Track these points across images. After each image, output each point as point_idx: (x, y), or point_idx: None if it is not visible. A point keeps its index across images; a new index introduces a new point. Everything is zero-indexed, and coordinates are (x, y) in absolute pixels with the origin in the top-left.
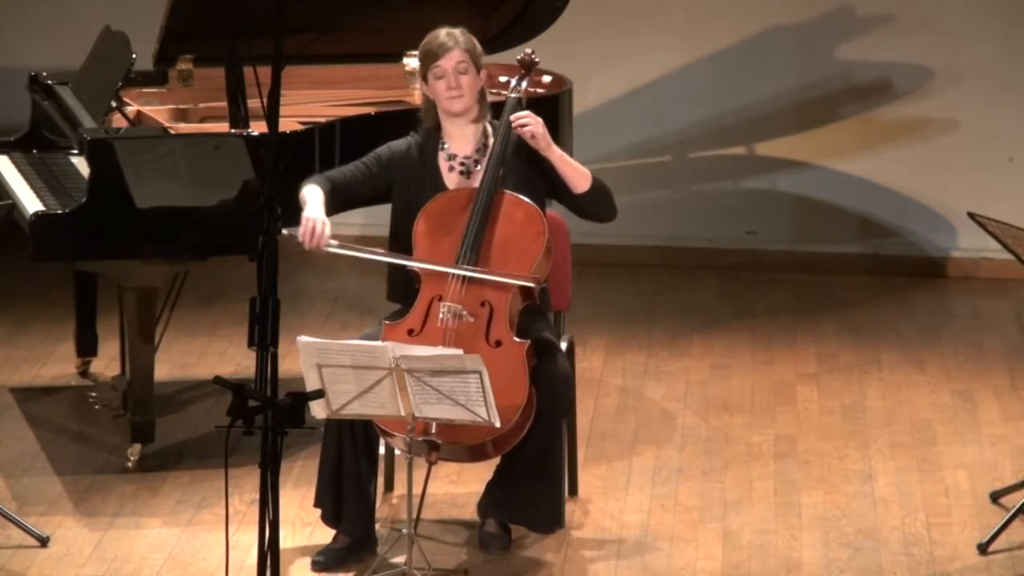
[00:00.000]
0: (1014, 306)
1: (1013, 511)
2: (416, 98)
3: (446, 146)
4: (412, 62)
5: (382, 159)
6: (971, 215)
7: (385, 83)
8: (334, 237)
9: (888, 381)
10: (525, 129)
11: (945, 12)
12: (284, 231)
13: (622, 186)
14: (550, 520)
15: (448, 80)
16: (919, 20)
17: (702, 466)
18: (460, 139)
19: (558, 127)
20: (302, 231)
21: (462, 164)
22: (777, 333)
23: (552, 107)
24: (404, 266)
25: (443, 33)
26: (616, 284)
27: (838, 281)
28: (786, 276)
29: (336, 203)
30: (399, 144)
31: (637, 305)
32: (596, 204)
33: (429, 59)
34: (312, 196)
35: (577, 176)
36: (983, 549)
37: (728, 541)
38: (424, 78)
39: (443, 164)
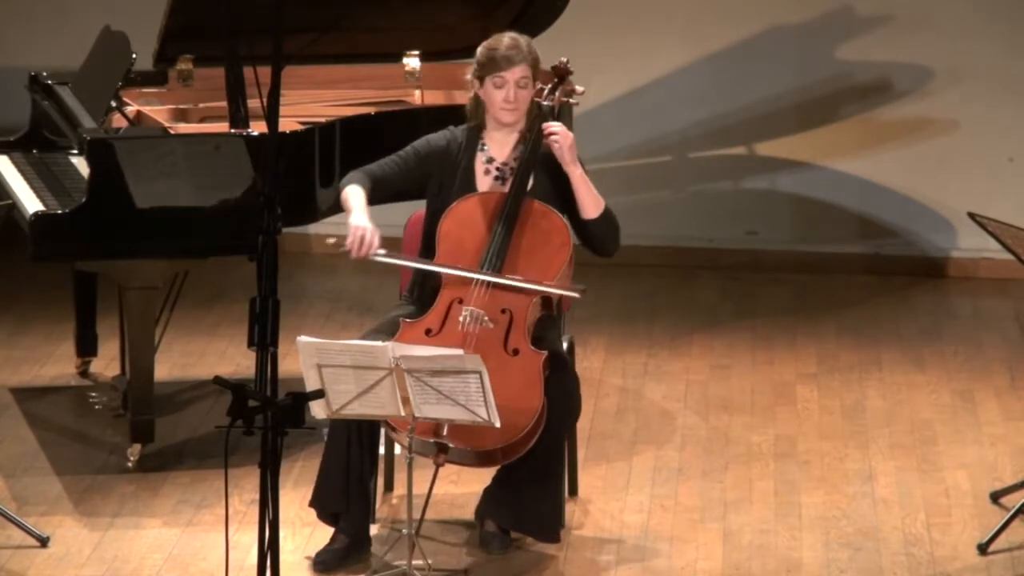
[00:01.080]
0: (1014, 306)
1: (1013, 511)
2: (416, 98)
3: (486, 148)
4: (412, 62)
5: (420, 153)
6: (971, 215)
7: (385, 83)
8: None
9: (888, 381)
10: (553, 140)
11: (945, 12)
12: (330, 240)
13: (622, 186)
14: (551, 529)
15: (507, 93)
16: (919, 20)
17: (702, 466)
18: (502, 145)
19: None
20: (350, 240)
21: (499, 169)
22: (777, 333)
23: (557, 110)
24: (469, 280)
25: (508, 41)
26: (616, 284)
27: (838, 281)
28: (786, 276)
29: (375, 199)
30: (437, 138)
31: (637, 305)
32: (601, 234)
33: (492, 67)
34: (356, 201)
35: (590, 201)
36: (983, 549)
37: (728, 541)
38: (480, 79)
39: (479, 166)
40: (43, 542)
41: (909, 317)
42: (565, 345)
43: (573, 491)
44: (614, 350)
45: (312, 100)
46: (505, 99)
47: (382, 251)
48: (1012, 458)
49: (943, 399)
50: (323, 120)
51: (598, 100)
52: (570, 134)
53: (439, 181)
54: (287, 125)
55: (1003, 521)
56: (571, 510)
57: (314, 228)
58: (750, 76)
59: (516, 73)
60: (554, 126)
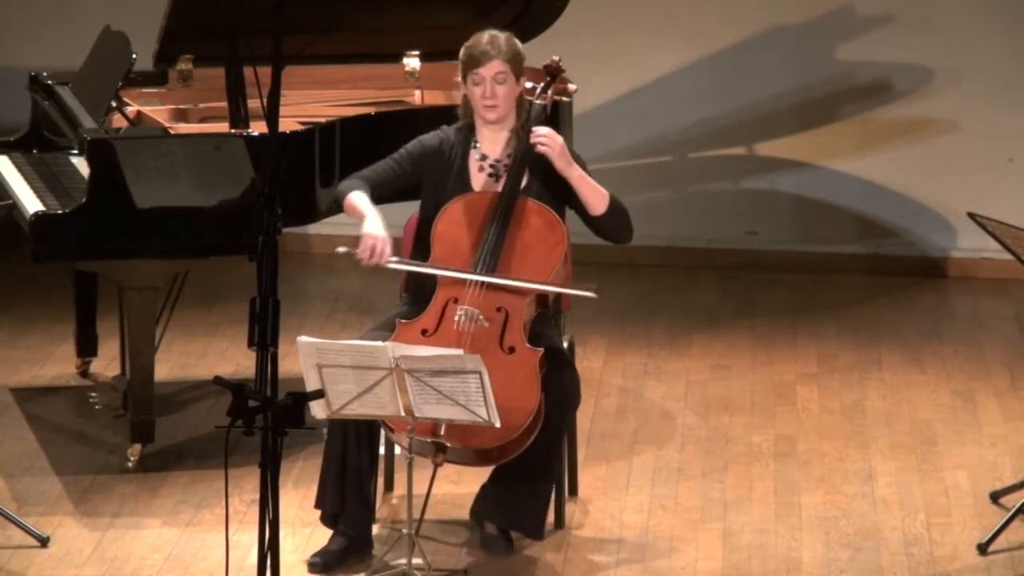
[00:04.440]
0: (1014, 306)
1: (1013, 511)
2: (416, 98)
3: (479, 146)
4: (412, 62)
5: (413, 155)
6: (971, 215)
7: (385, 83)
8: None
9: (888, 381)
10: (542, 147)
11: (945, 12)
12: (340, 249)
13: (622, 186)
14: (538, 526)
15: (485, 89)
16: (919, 20)
17: (702, 466)
18: (493, 142)
19: (558, 128)
20: (361, 249)
21: (492, 167)
22: (777, 333)
23: (552, 108)
24: (464, 280)
25: (486, 38)
26: (616, 284)
27: (838, 281)
28: (786, 276)
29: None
30: (430, 139)
31: (637, 305)
32: (612, 226)
33: (470, 64)
34: (367, 206)
35: (595, 197)
36: (983, 549)
37: (728, 541)
38: (464, 79)
39: (473, 164)
40: (43, 542)
41: (909, 317)
42: (565, 344)
43: (573, 491)
44: (614, 350)
45: (312, 100)
46: (483, 95)
47: (394, 258)
48: (1012, 458)
49: (943, 399)
50: (323, 120)
51: (598, 100)
52: (559, 138)
53: (433, 181)
54: (287, 125)
55: (1003, 521)
56: (571, 510)
57: (314, 228)
58: (750, 76)
59: (492, 68)
60: (541, 131)
